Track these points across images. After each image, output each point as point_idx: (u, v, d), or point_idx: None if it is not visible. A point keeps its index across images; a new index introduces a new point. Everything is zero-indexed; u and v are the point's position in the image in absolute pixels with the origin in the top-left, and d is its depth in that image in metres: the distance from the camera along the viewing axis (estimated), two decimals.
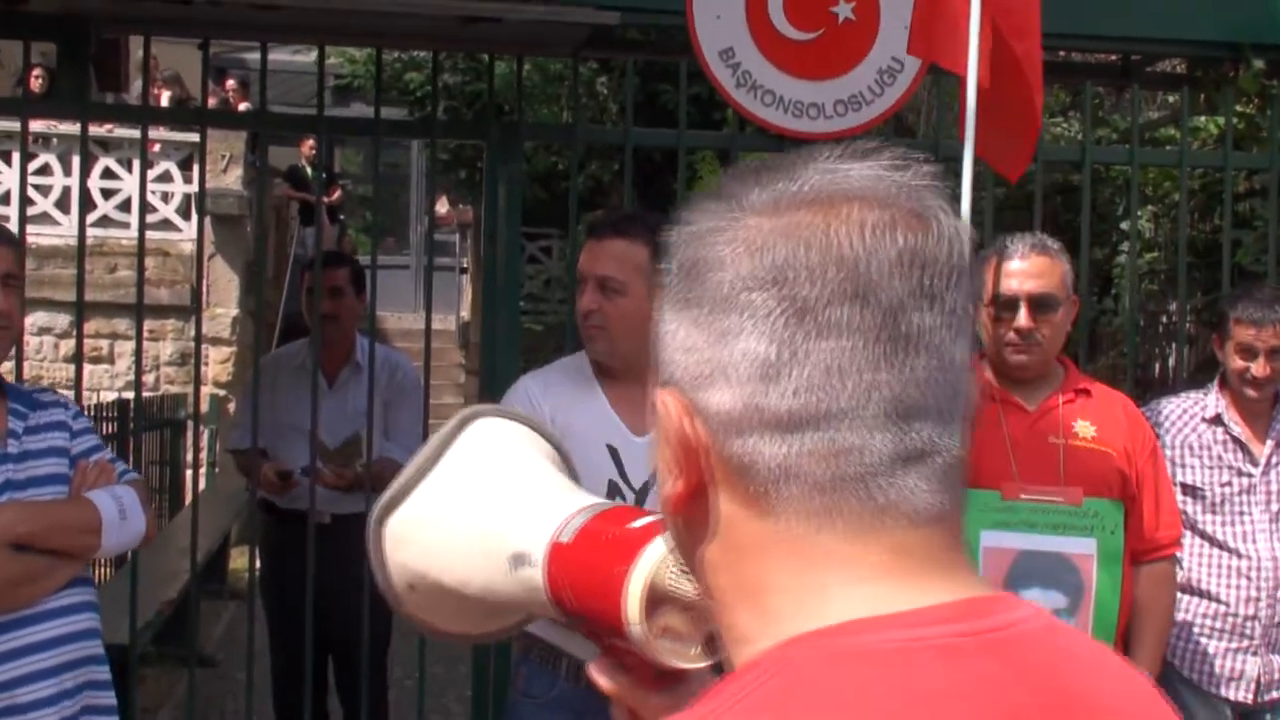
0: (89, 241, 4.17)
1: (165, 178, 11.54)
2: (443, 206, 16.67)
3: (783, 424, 0.82)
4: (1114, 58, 5.12)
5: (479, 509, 1.15)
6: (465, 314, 15.02)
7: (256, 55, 4.19)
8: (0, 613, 2.74)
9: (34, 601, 2.76)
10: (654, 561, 1.01)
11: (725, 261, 0.83)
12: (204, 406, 9.78)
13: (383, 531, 1.18)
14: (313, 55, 4.28)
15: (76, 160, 11.26)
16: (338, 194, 15.24)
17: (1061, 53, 5.81)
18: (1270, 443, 3.60)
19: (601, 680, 1.06)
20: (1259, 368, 3.53)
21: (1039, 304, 3.04)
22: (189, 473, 10.64)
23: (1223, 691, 3.56)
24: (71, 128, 9.78)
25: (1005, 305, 3.06)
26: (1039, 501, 3.02)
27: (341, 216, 15.82)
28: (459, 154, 13.09)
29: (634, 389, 2.78)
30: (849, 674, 0.77)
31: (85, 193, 4.91)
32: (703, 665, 1.03)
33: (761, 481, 0.83)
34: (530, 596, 1.10)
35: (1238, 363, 3.57)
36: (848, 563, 0.82)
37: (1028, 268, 3.06)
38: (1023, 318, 3.03)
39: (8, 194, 11.14)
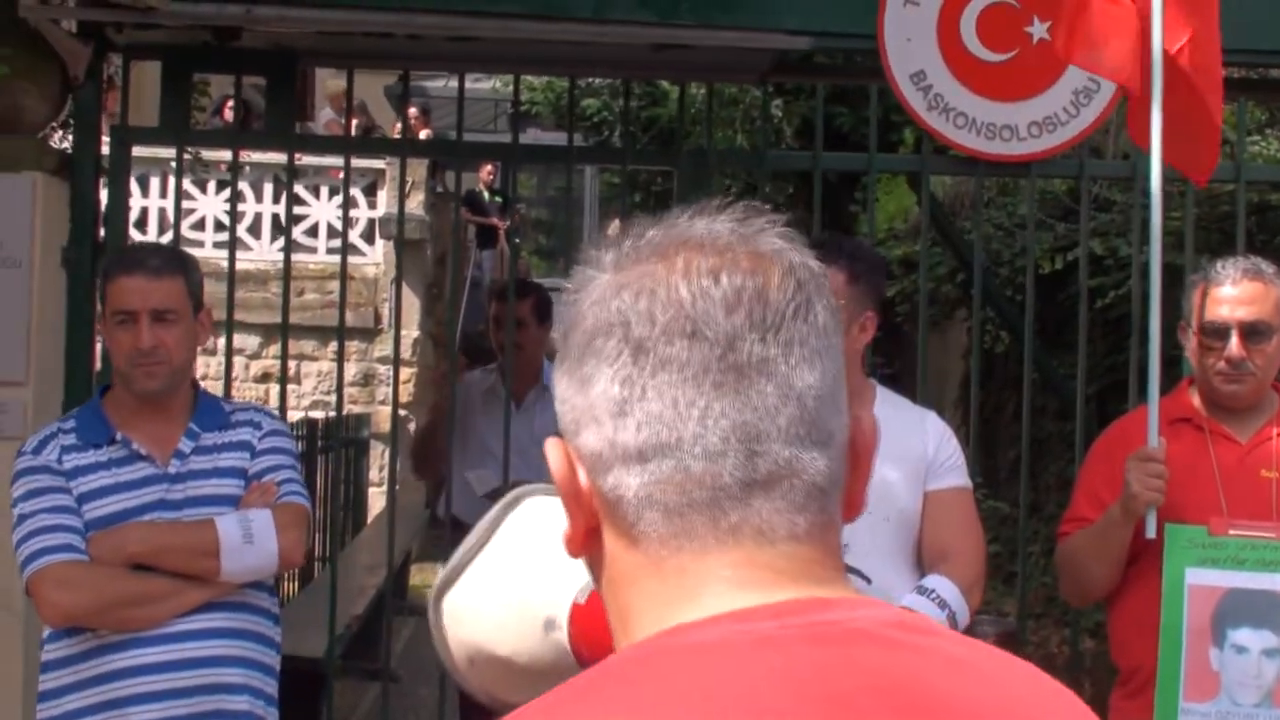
0: (279, 266, 4.36)
1: (350, 203, 11.91)
2: (614, 230, 16.85)
3: (637, 456, 0.89)
4: None
5: (519, 583, 1.24)
6: None
7: (435, 83, 4.29)
8: (114, 631, 2.67)
9: (153, 623, 2.67)
10: None
11: (582, 317, 0.92)
12: (385, 426, 10.03)
13: (440, 609, 1.28)
14: (489, 82, 4.36)
15: (267, 187, 11.70)
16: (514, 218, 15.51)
17: (1261, 69, 5.61)
18: None
19: None
20: None
21: (1251, 332, 2.92)
22: (371, 490, 10.96)
23: None
24: (262, 156, 10.16)
25: (1215, 333, 2.95)
26: (1249, 537, 2.90)
27: (517, 239, 16.09)
28: (634, 178, 13.20)
29: None
30: (657, 666, 0.83)
31: (289, 220, 5.12)
32: None
33: (628, 513, 0.89)
34: (564, 660, 1.16)
35: None
36: (696, 578, 0.87)
37: (1239, 294, 2.95)
38: (1234, 347, 2.92)
39: (203, 220, 11.61)
